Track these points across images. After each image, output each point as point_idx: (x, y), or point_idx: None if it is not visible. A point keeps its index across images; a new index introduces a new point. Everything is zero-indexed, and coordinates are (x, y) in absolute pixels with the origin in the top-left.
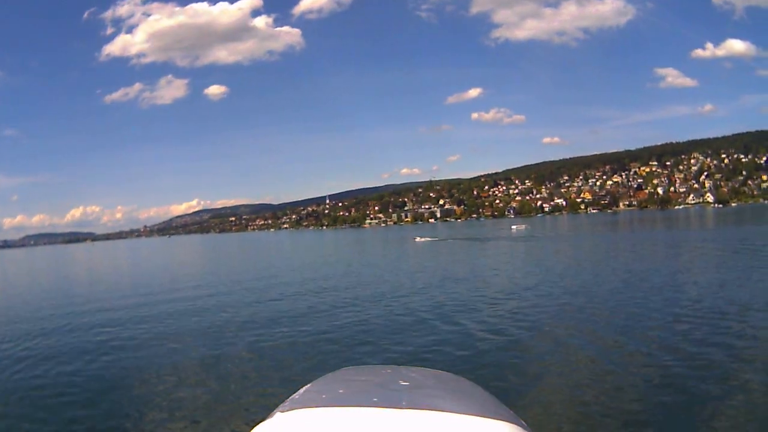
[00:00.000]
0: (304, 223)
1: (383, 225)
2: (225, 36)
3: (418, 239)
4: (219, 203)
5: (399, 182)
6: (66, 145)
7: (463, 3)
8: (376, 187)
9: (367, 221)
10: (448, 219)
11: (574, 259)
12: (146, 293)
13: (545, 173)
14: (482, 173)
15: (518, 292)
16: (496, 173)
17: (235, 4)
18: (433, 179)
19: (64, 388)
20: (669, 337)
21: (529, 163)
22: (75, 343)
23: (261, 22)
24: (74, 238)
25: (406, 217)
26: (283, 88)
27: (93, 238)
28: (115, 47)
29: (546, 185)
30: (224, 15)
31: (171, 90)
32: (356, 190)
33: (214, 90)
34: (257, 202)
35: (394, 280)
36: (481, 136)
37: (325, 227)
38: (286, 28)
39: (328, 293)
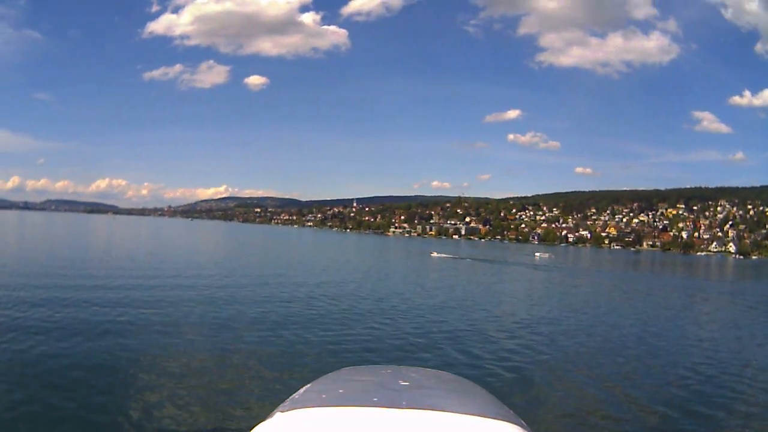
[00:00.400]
0: (329, 224)
1: (407, 235)
2: (271, 28)
3: (434, 254)
4: (246, 192)
5: (429, 194)
6: (99, 115)
7: (511, 23)
8: (405, 196)
9: (392, 229)
10: (471, 237)
11: (594, 296)
12: (158, 275)
13: (574, 203)
14: (511, 195)
15: (533, 326)
16: (525, 197)
17: None
18: (462, 195)
19: (50, 367)
20: (682, 397)
21: (559, 191)
22: (71, 320)
23: (309, 18)
24: (96, 208)
25: (431, 230)
26: (323, 87)
27: (115, 211)
28: (159, 25)
29: (573, 215)
30: (272, 7)
31: (212, 75)
32: (385, 196)
33: (255, 80)
34: (285, 196)
35: (410, 294)
36: (515, 158)
37: (348, 230)
38: (333, 28)
39: (341, 300)
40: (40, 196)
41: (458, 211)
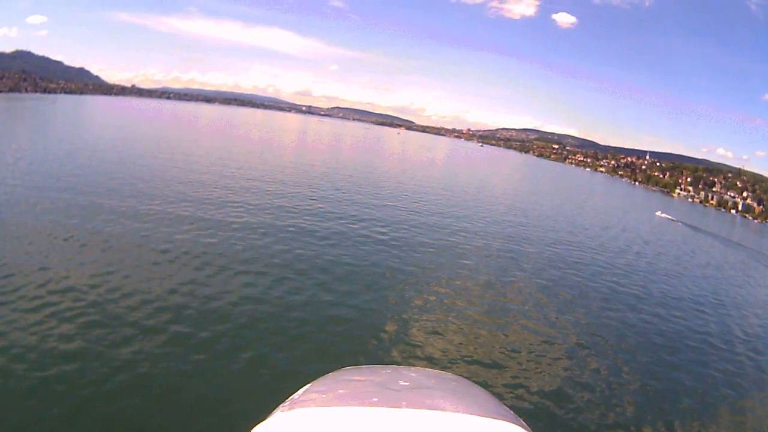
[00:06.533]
0: (620, 173)
1: (689, 200)
2: None
3: (659, 213)
4: (549, 128)
5: (713, 160)
6: (397, 28)
7: None
8: (693, 158)
9: (677, 191)
10: (746, 215)
11: None
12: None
13: None
14: None
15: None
16: None
17: None
18: (742, 168)
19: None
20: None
21: None
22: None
23: None
24: (388, 121)
25: (712, 198)
26: (627, 35)
27: (408, 126)
28: None
29: None
30: None
31: (521, 6)
32: (675, 154)
33: (564, 18)
34: (585, 138)
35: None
36: None
37: (637, 183)
38: None
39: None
40: (329, 102)
41: (738, 183)
